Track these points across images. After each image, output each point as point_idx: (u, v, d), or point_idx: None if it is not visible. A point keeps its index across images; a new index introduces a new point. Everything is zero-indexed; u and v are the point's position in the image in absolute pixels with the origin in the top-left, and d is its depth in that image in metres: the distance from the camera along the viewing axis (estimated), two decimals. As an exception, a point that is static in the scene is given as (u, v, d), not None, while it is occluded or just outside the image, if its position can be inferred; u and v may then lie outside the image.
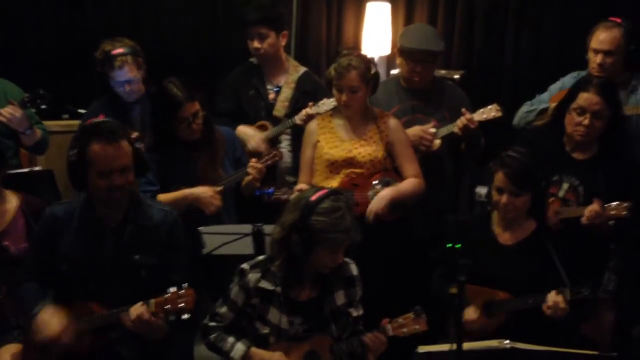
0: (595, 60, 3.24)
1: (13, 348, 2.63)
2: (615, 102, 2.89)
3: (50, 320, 2.42)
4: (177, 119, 2.95)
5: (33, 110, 3.35)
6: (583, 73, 3.33)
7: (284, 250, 2.37)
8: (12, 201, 2.80)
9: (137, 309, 2.35)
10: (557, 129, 2.95)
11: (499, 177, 2.67)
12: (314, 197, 2.34)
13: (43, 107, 3.30)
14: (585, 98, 2.83)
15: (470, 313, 2.66)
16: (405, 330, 2.43)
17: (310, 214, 2.31)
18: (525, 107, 3.39)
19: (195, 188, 2.98)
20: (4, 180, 2.81)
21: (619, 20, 3.26)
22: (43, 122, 3.50)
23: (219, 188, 3.00)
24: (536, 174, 2.71)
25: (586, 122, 2.83)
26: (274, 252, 2.42)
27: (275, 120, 3.51)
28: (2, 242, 2.70)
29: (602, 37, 3.23)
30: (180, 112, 2.94)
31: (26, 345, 2.58)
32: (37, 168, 3.36)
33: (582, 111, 2.84)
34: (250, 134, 3.42)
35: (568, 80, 3.37)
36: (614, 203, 2.74)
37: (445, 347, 2.17)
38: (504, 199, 2.66)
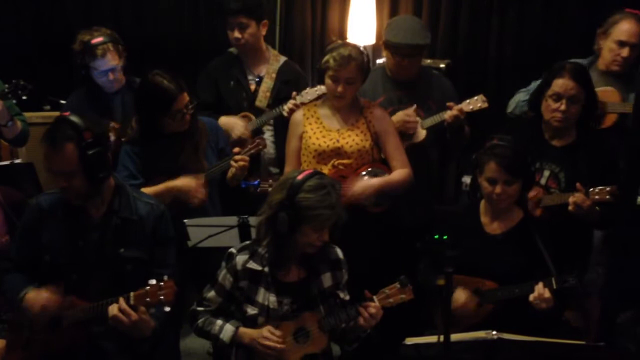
0: (620, 52, 3.24)
1: (-3, 344, 2.61)
2: (589, 86, 2.91)
3: (37, 294, 2.42)
4: (170, 112, 2.91)
5: (14, 102, 3.29)
6: (584, 61, 3.29)
7: (271, 229, 2.39)
8: (-9, 195, 2.76)
9: (121, 304, 2.31)
10: (535, 117, 2.97)
11: (491, 168, 2.66)
12: (300, 177, 2.37)
13: (24, 97, 3.24)
14: (560, 84, 2.85)
15: (460, 294, 2.64)
16: (391, 300, 2.42)
17: (297, 192, 2.34)
18: (521, 95, 3.36)
19: (179, 180, 2.94)
20: None
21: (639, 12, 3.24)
22: (24, 113, 3.44)
23: (203, 179, 2.96)
24: (527, 160, 2.72)
25: (563, 107, 2.85)
26: (261, 233, 2.44)
27: (257, 111, 3.47)
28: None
29: (630, 30, 3.21)
30: (174, 106, 2.90)
31: (9, 341, 2.55)
32: (17, 161, 3.31)
33: (558, 97, 2.86)
34: (234, 122, 3.39)
35: None
36: (598, 188, 2.75)
37: (432, 338, 2.17)
38: (497, 189, 2.66)
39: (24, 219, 2.55)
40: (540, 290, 2.54)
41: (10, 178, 3.00)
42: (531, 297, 2.55)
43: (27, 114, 3.49)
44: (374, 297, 2.44)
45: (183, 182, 2.94)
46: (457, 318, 2.58)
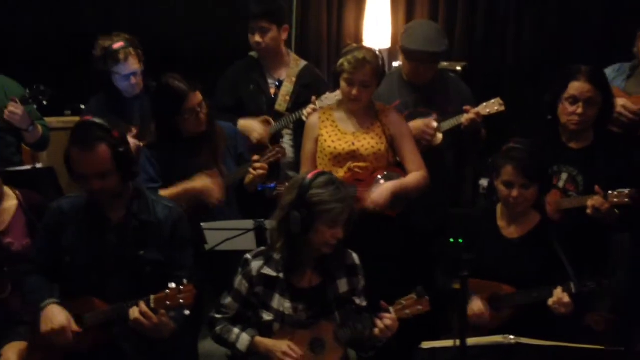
0: None
1: (18, 345, 2.63)
2: (606, 88, 2.89)
3: (56, 314, 2.43)
4: (183, 112, 2.93)
5: (34, 107, 3.34)
6: (627, 64, 3.25)
7: (284, 231, 2.40)
8: (12, 199, 2.80)
9: (142, 307, 2.34)
10: (551, 120, 2.95)
11: (508, 171, 2.65)
12: (309, 176, 2.40)
13: (44, 102, 3.29)
14: (576, 87, 2.83)
15: (477, 304, 2.64)
16: (408, 311, 2.42)
17: (308, 190, 2.36)
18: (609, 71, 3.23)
19: (195, 180, 2.96)
20: (4, 178, 2.81)
21: None
22: (45, 118, 3.50)
23: (218, 177, 2.97)
24: (544, 163, 2.71)
25: (579, 110, 2.84)
26: (274, 236, 2.45)
27: (277, 115, 3.49)
28: (4, 240, 2.69)
29: None
30: (186, 104, 2.92)
31: (31, 343, 2.58)
32: (39, 165, 3.35)
33: (574, 100, 2.84)
34: (253, 126, 3.40)
35: (610, 73, 3.27)
36: (616, 191, 2.73)
37: (448, 342, 2.16)
38: (514, 192, 2.65)
39: (45, 221, 2.58)
40: (559, 295, 2.52)
41: (31, 182, 3.03)
42: (550, 301, 2.53)
43: (47, 119, 3.55)
44: (390, 308, 2.43)
45: (200, 182, 2.96)
46: (472, 324, 2.57)
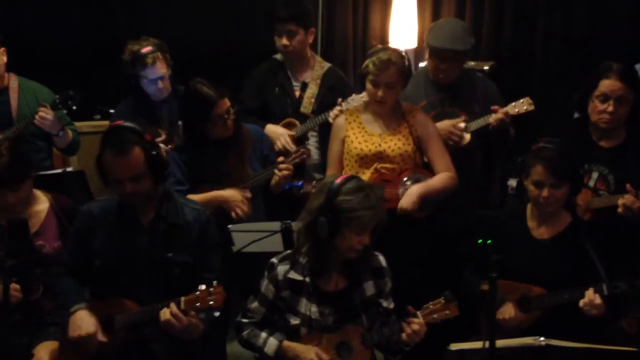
0: None
1: (50, 345, 2.68)
2: (637, 85, 2.85)
3: (84, 320, 2.47)
4: (211, 118, 2.96)
5: (64, 112, 3.39)
6: None
7: (311, 235, 2.39)
8: (44, 202, 2.84)
9: (173, 308, 2.36)
10: (582, 118, 2.92)
11: (538, 171, 2.61)
12: (338, 180, 2.38)
13: (74, 108, 3.34)
14: (607, 85, 2.80)
15: (509, 310, 2.61)
16: (435, 316, 2.40)
17: (337, 195, 2.34)
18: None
19: (225, 190, 2.99)
20: (36, 182, 2.86)
21: None
22: (74, 122, 3.55)
23: (249, 194, 3.00)
24: (575, 163, 2.67)
25: (610, 108, 2.80)
26: (301, 240, 2.45)
27: (302, 117, 3.50)
28: (36, 242, 2.74)
29: None
30: (214, 111, 2.95)
31: (63, 343, 2.62)
32: (69, 169, 3.40)
33: (605, 98, 2.81)
34: (278, 133, 3.42)
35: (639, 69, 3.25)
36: None
37: (477, 344, 2.14)
38: (544, 192, 2.61)
39: (76, 224, 2.62)
40: (591, 296, 2.48)
41: (62, 185, 3.08)
42: (581, 303, 2.50)
43: (77, 124, 3.59)
44: (418, 312, 2.41)
45: (230, 193, 2.99)
46: (502, 327, 2.54)
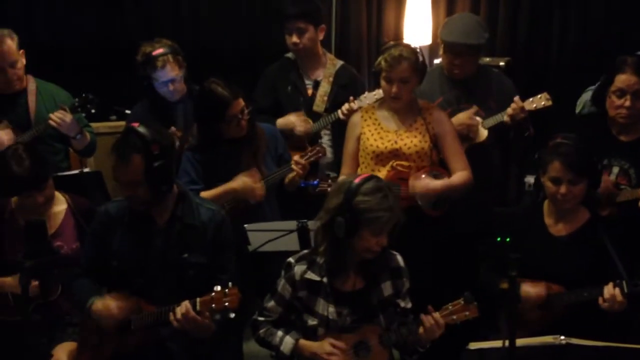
0: None
1: (68, 346, 2.71)
2: None
3: (104, 305, 2.49)
4: (226, 118, 2.97)
5: (83, 115, 3.42)
6: None
7: (329, 234, 2.38)
8: (62, 203, 2.87)
9: (183, 308, 2.37)
10: (600, 113, 2.90)
11: (555, 167, 2.58)
12: (357, 180, 2.36)
13: (93, 111, 3.36)
14: (623, 79, 2.79)
15: (528, 288, 2.56)
16: (455, 317, 2.38)
17: (355, 195, 2.32)
18: (588, 94, 3.24)
19: (235, 181, 2.99)
20: (54, 183, 2.88)
21: None
22: (91, 123, 3.57)
23: (257, 174, 2.99)
24: (593, 158, 2.65)
25: (627, 103, 2.79)
26: (318, 239, 2.44)
27: (315, 115, 3.49)
28: (54, 243, 2.76)
29: None
30: (229, 111, 2.96)
31: (81, 343, 2.64)
32: (86, 170, 3.42)
33: (621, 93, 2.80)
34: (291, 120, 3.41)
35: None
36: None
37: (497, 343, 2.13)
38: (562, 189, 2.58)
39: (93, 226, 2.64)
40: (611, 291, 2.45)
41: (79, 186, 3.11)
42: (601, 299, 2.46)
43: (93, 124, 3.62)
44: (437, 313, 2.40)
45: (239, 182, 2.98)
46: (523, 318, 2.50)
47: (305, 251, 2.53)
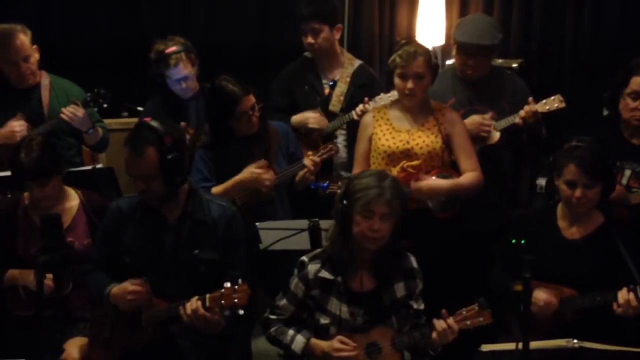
0: None
1: (79, 341, 2.72)
2: None
3: (122, 288, 2.49)
4: (236, 114, 2.97)
5: (95, 109, 3.43)
6: None
7: (336, 226, 2.42)
8: (74, 199, 2.87)
9: (193, 304, 2.38)
10: (613, 115, 2.89)
11: (571, 170, 2.57)
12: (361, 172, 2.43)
13: (105, 106, 3.37)
14: (638, 82, 2.79)
15: (541, 295, 2.55)
16: (468, 322, 2.37)
17: (353, 181, 2.40)
18: None
19: (242, 173, 2.98)
20: (66, 178, 2.89)
21: None
22: (103, 120, 3.58)
23: (263, 162, 2.99)
24: (608, 162, 2.64)
25: None
26: (329, 234, 2.47)
27: (331, 115, 3.48)
28: (66, 239, 2.76)
29: None
30: (239, 107, 2.96)
31: (92, 338, 2.65)
32: (99, 165, 3.44)
33: (636, 95, 2.80)
34: (305, 116, 3.41)
35: None
36: None
37: (510, 345, 2.12)
38: (577, 192, 2.57)
39: (105, 221, 2.65)
40: (626, 296, 2.44)
41: (91, 182, 3.12)
42: (615, 304, 2.45)
43: (105, 121, 3.63)
44: (450, 317, 2.39)
45: (246, 173, 2.98)
46: (535, 321, 2.50)
47: (319, 250, 2.53)
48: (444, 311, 2.40)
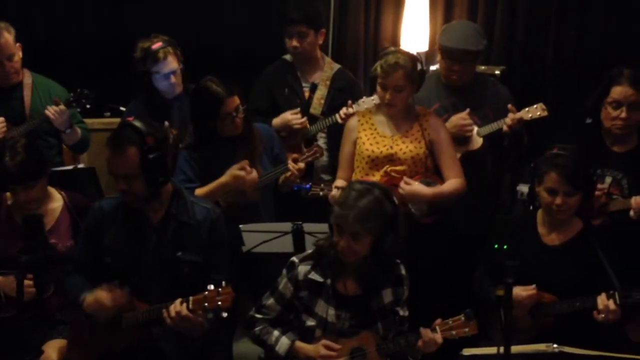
0: None
1: (58, 343, 2.69)
2: None
3: (95, 298, 2.46)
4: (220, 116, 2.96)
5: (77, 110, 3.40)
6: None
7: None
8: (58, 200, 2.84)
9: (176, 307, 2.36)
10: (594, 123, 2.92)
11: (552, 178, 2.61)
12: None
13: (87, 106, 3.35)
14: (619, 91, 2.82)
15: (519, 291, 2.56)
16: (454, 332, 2.39)
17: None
18: None
19: (225, 175, 2.97)
20: (48, 178, 2.85)
21: None
22: (85, 120, 3.55)
23: (246, 162, 2.97)
24: (589, 171, 2.67)
25: (623, 114, 2.82)
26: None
27: (312, 119, 3.49)
28: (49, 240, 2.73)
29: None
30: (222, 108, 2.95)
31: (71, 340, 2.62)
32: (80, 165, 3.41)
33: (617, 104, 2.82)
34: (286, 118, 3.40)
35: None
36: None
37: (491, 350, 2.14)
38: (558, 200, 2.61)
39: (86, 221, 2.62)
40: (605, 302, 2.47)
41: (72, 182, 3.09)
42: (597, 309, 2.48)
43: (87, 121, 3.60)
44: (437, 327, 2.40)
45: (229, 176, 2.97)
46: (514, 322, 2.51)
47: (310, 251, 2.53)
48: (436, 322, 2.41)
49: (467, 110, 3.22)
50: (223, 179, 2.98)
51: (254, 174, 2.98)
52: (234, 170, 2.97)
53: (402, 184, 2.94)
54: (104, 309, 2.46)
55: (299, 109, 3.46)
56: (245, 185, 2.97)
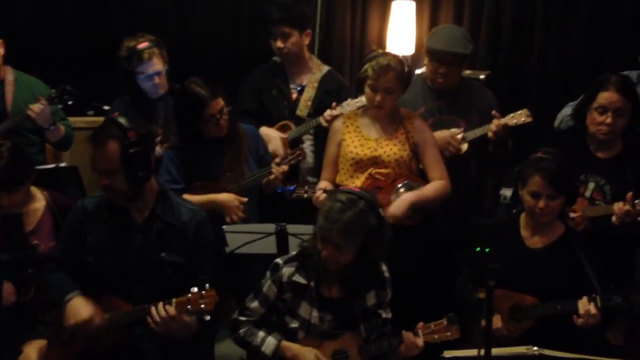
0: None
1: (38, 343, 2.65)
2: (634, 97, 2.88)
3: (81, 306, 2.45)
4: (203, 118, 2.95)
5: (60, 107, 3.37)
6: (634, 73, 3.23)
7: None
8: (40, 200, 2.79)
9: (161, 310, 2.35)
10: (579, 129, 2.94)
11: (536, 181, 2.62)
12: (356, 189, 2.43)
13: (70, 102, 3.32)
14: (605, 97, 2.83)
15: (496, 321, 2.62)
16: (436, 336, 2.40)
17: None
18: (567, 110, 3.31)
19: (221, 194, 2.98)
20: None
21: None
22: (68, 118, 3.52)
23: (245, 199, 3.00)
24: (572, 175, 2.69)
25: (609, 120, 2.83)
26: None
27: (298, 120, 3.49)
28: (31, 241, 2.69)
29: None
30: (206, 111, 2.94)
31: (51, 340, 2.59)
32: (62, 164, 3.38)
33: (603, 110, 2.84)
34: (271, 136, 3.41)
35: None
36: None
37: (472, 352, 2.14)
38: (541, 203, 2.62)
39: (69, 220, 2.60)
40: (587, 306, 2.49)
41: (55, 181, 3.06)
42: (578, 314, 2.50)
43: (70, 119, 3.57)
44: (419, 331, 2.41)
45: (225, 197, 2.98)
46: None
47: (294, 253, 2.52)
48: (419, 325, 2.42)
49: (462, 129, 3.22)
50: (218, 197, 2.97)
51: (243, 211, 2.98)
52: (232, 197, 2.97)
53: (386, 215, 2.93)
54: (78, 322, 2.44)
55: (291, 131, 3.43)
56: (232, 214, 2.97)
